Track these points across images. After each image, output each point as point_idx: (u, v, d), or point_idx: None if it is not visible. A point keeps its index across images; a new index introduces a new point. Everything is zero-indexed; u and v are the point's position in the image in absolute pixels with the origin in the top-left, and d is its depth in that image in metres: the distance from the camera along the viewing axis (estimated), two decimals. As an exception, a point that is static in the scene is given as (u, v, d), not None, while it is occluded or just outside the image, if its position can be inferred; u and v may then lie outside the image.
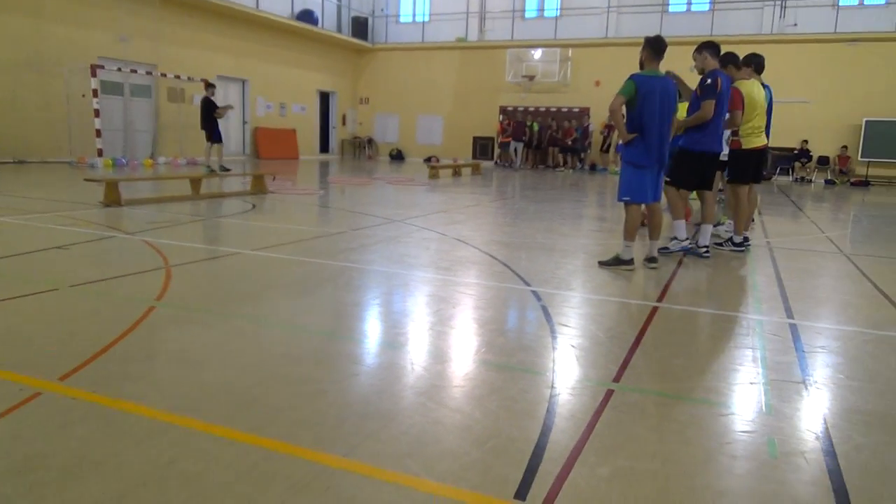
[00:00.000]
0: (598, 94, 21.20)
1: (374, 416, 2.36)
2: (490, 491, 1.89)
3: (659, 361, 3.15)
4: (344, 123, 25.93)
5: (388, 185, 13.37)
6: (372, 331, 3.59)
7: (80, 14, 15.40)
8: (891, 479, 2.06)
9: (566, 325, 3.63)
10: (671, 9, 21.60)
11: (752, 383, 2.85)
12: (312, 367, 2.86)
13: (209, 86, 13.07)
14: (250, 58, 20.58)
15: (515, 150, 22.24)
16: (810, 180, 19.50)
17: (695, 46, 5.89)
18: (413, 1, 25.23)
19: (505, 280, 4.79)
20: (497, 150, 23.32)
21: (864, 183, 18.54)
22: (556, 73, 22.23)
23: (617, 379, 2.83)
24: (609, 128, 20.85)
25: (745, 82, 6.18)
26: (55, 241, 5.59)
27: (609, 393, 2.66)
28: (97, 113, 14.81)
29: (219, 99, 16.70)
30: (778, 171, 19.71)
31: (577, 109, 22.23)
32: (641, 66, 5.20)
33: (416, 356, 3.07)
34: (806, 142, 19.63)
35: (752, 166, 6.35)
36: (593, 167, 21.91)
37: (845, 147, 19.29)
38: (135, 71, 16.31)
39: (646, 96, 5.02)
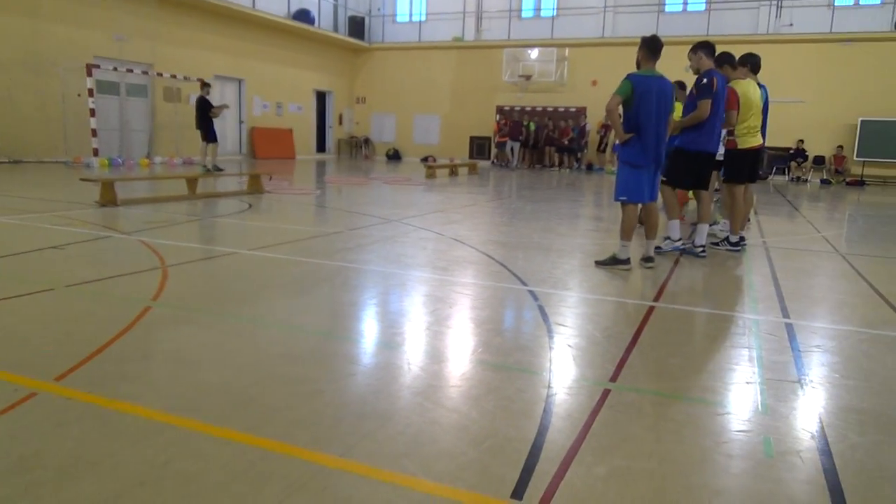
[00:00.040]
0: (594, 94, 21.23)
1: (371, 416, 2.36)
2: (487, 491, 1.89)
3: (655, 361, 3.16)
4: (340, 123, 25.90)
5: (385, 184, 13.37)
6: (369, 331, 3.59)
7: (75, 13, 15.36)
8: (886, 478, 2.07)
9: (563, 325, 3.64)
10: (667, 9, 21.63)
11: (748, 383, 2.86)
12: (309, 366, 2.86)
13: (204, 85, 13.05)
14: (247, 57, 20.55)
15: (512, 149, 22.25)
16: (806, 180, 19.55)
17: (691, 46, 5.90)
18: (410, 0, 25.22)
19: (502, 280, 4.80)
20: (494, 150, 23.33)
21: (859, 182, 18.59)
22: (552, 73, 22.25)
23: (614, 378, 2.83)
24: (606, 127, 20.86)
25: (740, 82, 6.20)
26: (51, 241, 5.58)
27: (606, 392, 2.67)
28: (93, 112, 14.77)
29: (215, 98, 16.67)
30: (774, 170, 19.77)
31: (573, 109, 22.25)
32: (638, 66, 5.21)
33: (412, 356, 3.07)
34: (802, 141, 19.68)
35: (748, 166, 6.37)
36: (590, 167, 21.93)
37: (841, 147, 19.35)
38: (131, 70, 16.27)
39: (642, 96, 5.03)
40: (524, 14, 23.58)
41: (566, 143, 21.83)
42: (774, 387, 2.80)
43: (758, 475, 2.05)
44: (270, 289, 4.33)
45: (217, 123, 13.12)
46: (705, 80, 5.61)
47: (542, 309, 3.97)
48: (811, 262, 6.08)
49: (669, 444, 2.23)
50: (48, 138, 14.97)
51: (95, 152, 14.79)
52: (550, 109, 22.61)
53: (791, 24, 19.79)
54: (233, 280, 4.59)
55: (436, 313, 3.84)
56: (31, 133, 14.73)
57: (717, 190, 7.80)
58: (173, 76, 17.09)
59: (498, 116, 23.13)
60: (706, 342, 3.61)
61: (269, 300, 4.02)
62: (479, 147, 24.16)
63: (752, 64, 6.45)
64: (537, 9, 23.40)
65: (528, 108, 22.93)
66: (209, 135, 12.79)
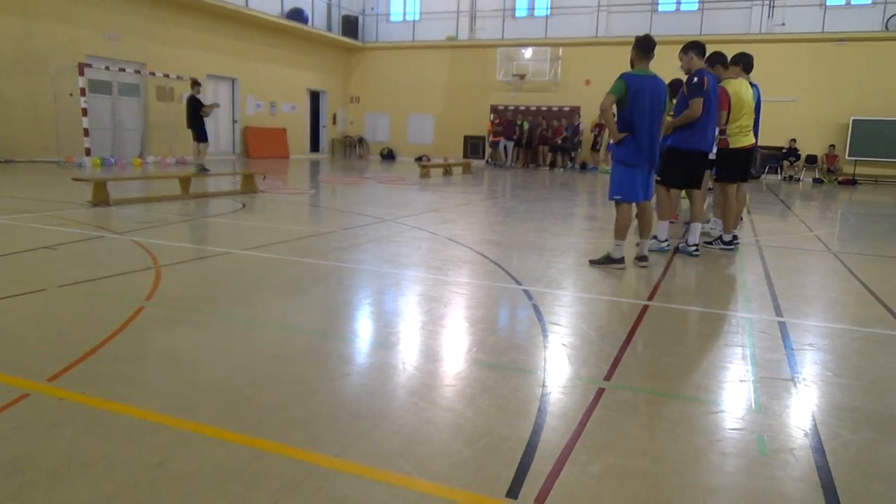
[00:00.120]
0: (588, 93, 21.27)
1: (366, 416, 2.35)
2: (482, 489, 1.90)
3: (649, 360, 3.17)
4: (334, 122, 25.86)
5: (379, 184, 13.36)
6: (363, 330, 3.58)
7: (67, 12, 15.27)
8: (878, 475, 2.08)
9: (557, 324, 3.64)
10: (661, 8, 21.70)
11: (741, 381, 2.87)
12: (304, 366, 2.86)
13: (195, 84, 12.98)
14: (240, 57, 20.49)
15: (505, 148, 22.26)
16: (798, 179, 19.64)
17: (681, 46, 5.92)
18: (403, 0, 25.21)
19: (496, 279, 4.80)
20: (488, 150, 23.34)
21: (851, 182, 18.70)
22: (546, 72, 22.27)
23: (608, 377, 2.84)
24: (600, 127, 20.91)
25: (732, 82, 6.22)
26: (43, 241, 5.55)
27: (600, 391, 2.67)
28: (85, 112, 14.68)
29: (208, 98, 16.61)
30: (766, 169, 19.85)
31: (567, 108, 22.28)
32: (632, 66, 5.23)
33: (407, 355, 3.07)
34: (794, 140, 19.77)
35: (740, 165, 6.40)
36: (584, 166, 21.97)
37: (833, 146, 19.45)
38: (123, 70, 16.19)
39: (636, 95, 5.05)
40: (518, 13, 23.60)
41: (559, 142, 21.86)
42: (768, 385, 2.81)
43: (751, 473, 2.06)
44: (264, 289, 4.32)
45: (210, 123, 13.08)
46: (696, 80, 5.64)
47: (536, 308, 3.97)
48: (804, 261, 6.11)
49: (663, 442, 2.24)
50: (40, 138, 14.89)
51: (88, 152, 14.71)
52: (544, 109, 22.63)
53: (783, 24, 19.88)
54: (227, 280, 4.57)
55: (430, 313, 3.84)
56: (22, 132, 14.65)
57: (709, 189, 7.83)
58: (166, 75, 17.02)
59: (492, 116, 23.13)
60: (700, 341, 3.62)
61: (264, 300, 4.01)
62: (473, 146, 24.17)
63: (744, 63, 6.48)
64: (531, 8, 23.43)
65: (523, 108, 22.95)
66: (200, 134, 12.74)
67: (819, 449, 2.23)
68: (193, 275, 4.73)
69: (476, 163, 22.24)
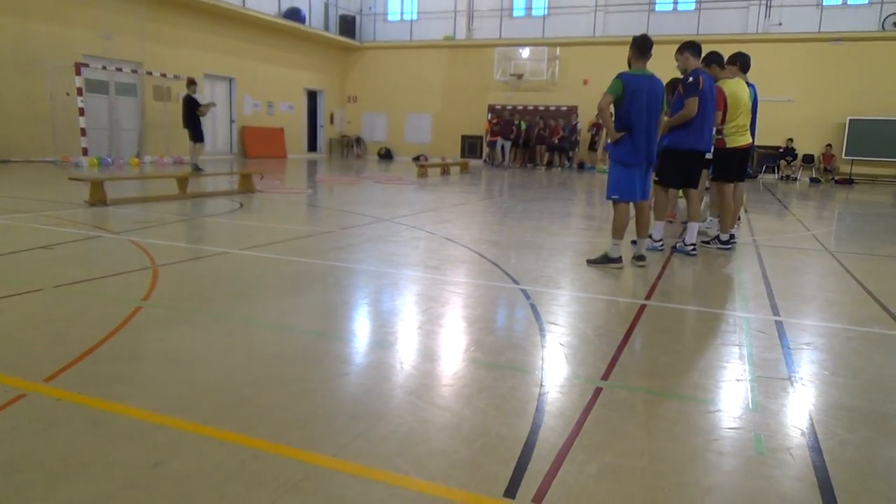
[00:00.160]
0: (586, 93, 21.29)
1: (364, 416, 2.36)
2: (479, 489, 1.90)
3: (647, 359, 3.17)
4: (332, 122, 25.84)
5: (377, 183, 13.35)
6: (361, 330, 3.58)
7: (64, 12, 15.24)
8: (875, 474, 2.09)
9: (555, 324, 3.65)
10: (658, 8, 21.73)
11: (738, 380, 2.87)
12: (302, 366, 2.86)
13: (191, 83, 12.96)
14: (237, 56, 20.46)
15: (503, 147, 22.27)
16: (795, 178, 19.68)
17: (678, 47, 5.94)
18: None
19: (494, 279, 4.80)
20: (486, 149, 23.35)
21: (848, 181, 18.74)
22: (544, 72, 22.29)
23: (605, 377, 2.84)
24: (597, 126, 20.92)
25: (728, 81, 6.24)
26: (40, 241, 5.54)
27: (597, 391, 2.68)
28: (82, 111, 14.66)
29: (205, 97, 16.59)
30: (763, 169, 19.89)
31: (565, 108, 22.30)
32: (629, 65, 5.24)
33: (405, 355, 3.07)
34: (791, 140, 19.81)
35: (737, 165, 6.41)
36: (581, 166, 21.98)
37: (830, 145, 19.49)
38: (120, 69, 16.16)
39: (633, 95, 5.05)
40: (515, 13, 23.61)
41: (556, 141, 21.87)
42: (765, 384, 2.82)
43: (748, 472, 2.06)
44: (262, 288, 4.31)
45: (208, 123, 13.09)
46: (691, 79, 5.66)
47: (534, 307, 3.98)
48: (801, 261, 6.12)
49: (661, 441, 2.24)
50: (37, 137, 14.86)
51: (84, 151, 14.69)
52: (542, 108, 22.64)
53: (780, 24, 19.92)
54: (224, 280, 4.57)
55: (428, 312, 3.84)
56: (19, 132, 14.61)
57: (706, 189, 7.84)
58: (163, 75, 16.99)
59: (490, 115, 23.14)
60: (697, 340, 3.63)
61: (261, 300, 4.01)
62: (470, 146, 24.17)
63: (741, 63, 6.49)
64: (528, 8, 23.44)
65: (520, 107, 22.96)
66: (196, 134, 12.72)
67: (816, 448, 2.23)
68: (191, 275, 4.72)
69: (473, 162, 22.24)
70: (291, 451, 2.07)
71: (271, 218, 8.00)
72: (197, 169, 12.57)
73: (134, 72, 16.66)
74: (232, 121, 20.92)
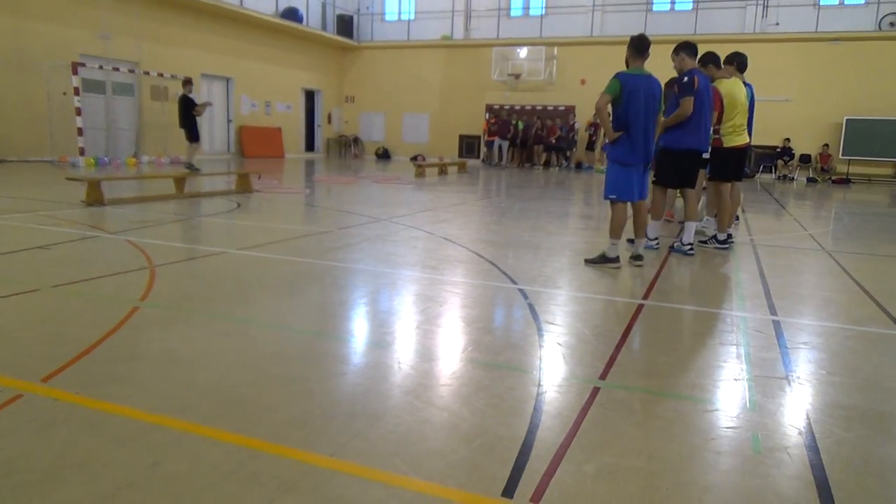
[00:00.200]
0: (583, 93, 21.31)
1: (362, 416, 2.35)
2: (477, 489, 1.90)
3: (645, 358, 3.17)
4: (329, 122, 25.83)
5: (375, 183, 13.34)
6: (359, 330, 3.58)
7: (60, 11, 15.21)
8: (872, 473, 2.09)
9: (553, 323, 3.65)
10: (655, 7, 21.75)
11: (736, 380, 2.88)
12: (299, 366, 2.85)
13: (186, 83, 12.93)
14: (235, 56, 20.44)
15: (500, 147, 22.27)
16: (792, 178, 19.71)
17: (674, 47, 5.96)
18: (398, -1, 25.22)
19: (492, 278, 4.80)
20: (484, 149, 23.35)
21: (845, 181, 18.77)
22: (541, 72, 22.30)
23: (603, 376, 2.85)
24: (595, 126, 20.94)
25: (724, 81, 6.25)
26: (37, 241, 5.53)
27: (595, 390, 2.68)
28: (79, 111, 14.64)
29: (203, 97, 16.55)
30: (761, 168, 19.92)
31: (562, 108, 22.31)
32: (627, 65, 5.24)
33: (403, 355, 3.07)
34: (788, 140, 19.85)
35: (733, 164, 6.42)
36: (579, 165, 22.00)
37: (827, 145, 19.53)
38: (117, 69, 16.14)
39: (630, 94, 5.06)
40: (513, 13, 23.62)
41: (554, 141, 21.88)
42: (762, 383, 2.82)
43: (746, 471, 2.07)
44: (260, 288, 4.31)
45: (205, 122, 13.08)
46: (686, 79, 5.69)
47: (531, 307, 3.98)
48: (798, 260, 6.13)
49: (658, 441, 2.24)
50: (33, 137, 14.82)
51: (81, 151, 14.67)
52: (540, 108, 22.66)
53: (777, 24, 19.95)
54: (222, 280, 4.56)
55: (426, 312, 3.84)
56: (15, 132, 14.58)
57: (703, 188, 7.86)
58: (160, 74, 16.96)
59: (487, 115, 23.14)
60: (695, 339, 3.63)
61: (259, 300, 4.00)
62: (468, 146, 24.18)
63: (738, 63, 6.51)
64: (526, 7, 23.45)
65: (518, 107, 22.97)
66: (192, 134, 12.69)
67: (813, 447, 2.24)
68: (188, 275, 4.72)
69: (471, 162, 22.24)
70: (289, 451, 2.07)
71: (269, 218, 8.00)
72: (191, 168, 12.54)
73: (131, 71, 16.63)
74: (229, 120, 20.89)
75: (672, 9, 21.69)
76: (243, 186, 10.18)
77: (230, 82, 20.70)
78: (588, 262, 5.36)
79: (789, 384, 2.83)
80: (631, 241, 5.77)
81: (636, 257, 5.40)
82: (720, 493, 1.93)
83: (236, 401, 2.45)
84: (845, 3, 19.66)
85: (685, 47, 5.83)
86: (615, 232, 5.26)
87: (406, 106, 25.04)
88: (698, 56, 5.98)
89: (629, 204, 5.38)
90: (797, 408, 2.59)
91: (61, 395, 2.42)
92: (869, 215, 10.69)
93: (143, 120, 17.58)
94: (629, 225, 5.48)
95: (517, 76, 22.58)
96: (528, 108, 22.82)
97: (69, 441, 2.09)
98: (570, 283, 4.75)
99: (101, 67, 15.68)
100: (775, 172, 19.98)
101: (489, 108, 23.26)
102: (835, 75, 19.22)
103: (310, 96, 24.80)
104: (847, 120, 19.11)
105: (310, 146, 25.23)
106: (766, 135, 18.69)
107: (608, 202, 5.38)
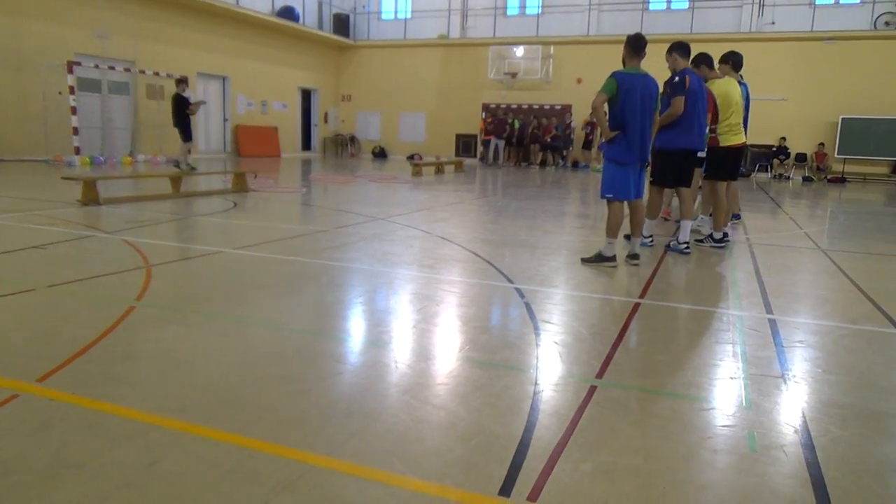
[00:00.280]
0: (580, 92, 21.33)
1: (359, 415, 2.35)
2: (474, 488, 1.90)
3: (641, 357, 3.18)
4: (326, 121, 25.80)
5: (371, 182, 13.34)
6: (356, 329, 3.58)
7: (56, 10, 15.16)
8: (867, 471, 2.10)
9: (549, 322, 3.65)
10: (651, 6, 21.78)
11: (732, 378, 2.89)
12: (296, 365, 2.85)
13: (180, 82, 12.87)
14: (231, 55, 20.40)
15: (496, 147, 22.27)
16: (788, 177, 19.76)
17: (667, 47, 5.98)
18: (395, -3, 25.20)
19: (488, 277, 4.80)
20: (480, 148, 23.36)
21: (840, 180, 18.83)
22: (538, 71, 22.31)
23: (600, 375, 2.85)
24: (592, 125, 20.96)
25: (717, 82, 6.28)
26: (32, 240, 5.51)
27: (592, 389, 2.68)
28: (74, 110, 14.58)
29: (199, 96, 16.51)
30: (757, 167, 19.96)
31: (559, 107, 22.33)
32: (624, 64, 5.25)
33: (399, 354, 3.07)
34: (784, 139, 19.89)
35: (729, 163, 6.44)
36: (575, 164, 22.02)
37: (822, 144, 19.58)
38: (113, 68, 16.08)
39: (627, 93, 5.06)
40: (509, 12, 23.63)
41: (549, 140, 21.89)
42: (758, 382, 2.83)
43: (742, 470, 2.07)
44: (257, 288, 4.30)
45: (201, 121, 13.04)
46: (677, 79, 5.72)
47: (528, 306, 3.98)
48: (794, 259, 6.15)
49: (655, 439, 2.25)
50: (28, 136, 14.77)
51: (77, 150, 14.61)
52: (536, 107, 22.67)
53: (773, 23, 20.00)
54: (218, 279, 4.55)
55: (422, 311, 3.84)
56: (10, 131, 14.53)
57: (699, 187, 7.87)
58: (156, 73, 16.92)
59: (484, 114, 23.14)
60: (691, 338, 3.64)
61: (256, 299, 4.00)
62: (465, 145, 24.18)
63: (733, 62, 6.53)
64: (522, 6, 23.45)
65: (514, 106, 22.98)
66: (185, 134, 12.64)
67: (809, 445, 2.25)
68: (184, 274, 4.71)
69: (468, 161, 22.23)
70: (286, 451, 2.07)
71: (265, 217, 7.99)
72: (177, 166, 12.49)
73: (127, 70, 16.58)
74: (225, 119, 20.85)
75: (668, 8, 21.71)
76: (239, 186, 10.16)
77: (226, 81, 20.66)
78: (584, 260, 5.37)
79: (785, 382, 2.84)
80: (627, 237, 5.78)
81: (632, 256, 5.41)
82: (716, 492, 1.94)
83: (233, 400, 2.45)
84: (841, 2, 19.71)
85: (678, 48, 5.86)
86: (612, 231, 5.26)
87: (403, 105, 25.03)
88: (691, 56, 6.00)
89: (626, 203, 5.39)
90: (793, 406, 2.60)
91: (57, 395, 2.42)
92: (864, 214, 10.72)
93: (138, 119, 17.53)
94: (625, 223, 5.50)
95: (514, 75, 22.59)
96: (525, 107, 22.82)
97: (65, 441, 2.09)
98: (567, 282, 4.75)
99: (96, 66, 15.62)
100: (771, 171, 20.02)
101: (486, 107, 23.26)
102: (830, 74, 19.27)
103: (306, 95, 24.76)
104: (843, 119, 19.16)
105: (306, 145, 25.20)
106: (761, 134, 18.74)
107: (605, 201, 5.39)
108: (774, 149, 19.98)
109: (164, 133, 16.96)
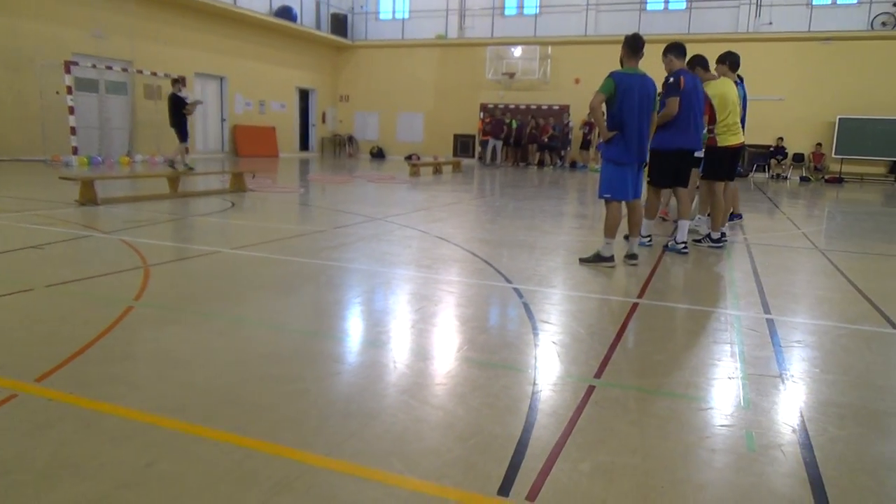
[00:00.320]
0: (577, 92, 21.33)
1: (357, 415, 2.35)
2: (473, 487, 1.90)
3: (639, 357, 3.18)
4: (324, 121, 25.78)
5: (369, 182, 13.33)
6: (354, 329, 3.58)
7: (53, 10, 15.13)
8: (865, 470, 2.11)
9: (548, 322, 3.66)
10: (649, 7, 21.80)
11: (730, 378, 2.89)
12: (294, 365, 2.85)
13: (176, 81, 12.84)
14: (228, 55, 20.37)
15: (494, 147, 22.26)
16: (786, 177, 19.79)
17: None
18: (392, -2, 25.19)
19: (486, 277, 4.81)
20: (478, 148, 23.36)
21: (837, 180, 18.86)
22: (535, 71, 22.33)
23: (598, 375, 2.85)
24: (590, 125, 20.97)
25: (713, 83, 6.30)
26: (30, 240, 5.50)
27: (590, 389, 2.68)
28: (72, 110, 14.55)
29: (196, 96, 16.49)
30: (754, 167, 19.99)
31: (557, 107, 22.34)
32: (622, 64, 5.26)
33: (398, 354, 3.07)
34: (781, 139, 19.93)
35: (727, 163, 6.45)
36: (573, 165, 22.03)
37: (819, 144, 19.61)
38: (110, 67, 16.06)
39: (625, 93, 5.07)
40: (507, 12, 23.64)
41: (546, 140, 21.90)
42: (756, 382, 2.84)
43: (740, 469, 2.08)
44: (254, 288, 4.30)
45: (199, 121, 13.01)
46: (672, 80, 5.74)
47: (526, 306, 3.98)
48: (791, 259, 6.16)
49: (653, 439, 2.25)
50: (26, 136, 14.73)
51: (75, 150, 14.58)
52: (534, 107, 22.67)
53: (770, 23, 20.03)
54: (216, 279, 4.55)
55: (421, 311, 3.84)
56: (8, 131, 14.49)
57: (696, 187, 7.88)
58: (153, 73, 16.89)
59: (482, 114, 23.15)
60: (689, 338, 3.64)
61: (254, 299, 3.99)
62: (463, 145, 24.18)
63: (730, 62, 6.54)
64: (520, 6, 23.46)
65: (512, 106, 22.98)
66: (182, 134, 12.62)
67: (807, 445, 2.25)
68: (182, 274, 4.70)
69: (466, 161, 22.24)
70: (284, 451, 2.07)
71: (263, 217, 7.98)
72: (172, 166, 12.48)
73: (124, 70, 16.55)
74: (223, 119, 20.82)
75: (666, 8, 21.74)
76: (237, 186, 10.15)
77: (224, 81, 20.64)
78: (583, 261, 5.37)
79: (783, 382, 2.85)
80: (626, 237, 5.79)
81: (630, 256, 5.42)
82: (714, 491, 1.94)
83: (232, 400, 2.44)
84: (838, 2, 19.75)
85: (673, 49, 5.88)
86: (610, 231, 5.27)
87: (400, 105, 25.02)
88: (687, 57, 6.02)
89: (624, 203, 5.39)
90: (791, 406, 2.61)
91: (56, 395, 2.41)
92: (862, 214, 10.74)
93: (136, 119, 17.50)
94: (623, 224, 5.50)
95: (511, 75, 22.60)
96: (523, 107, 22.83)
97: (64, 441, 2.08)
98: (565, 282, 4.76)
99: (94, 66, 15.60)
100: (768, 171, 20.05)
101: (484, 108, 23.25)
102: (828, 74, 19.31)
103: (304, 95, 24.74)
104: (840, 119, 19.20)
105: (304, 145, 25.18)
106: (759, 134, 18.75)
107: (603, 201, 5.40)
108: (772, 149, 20.00)
109: (162, 133, 16.92)
